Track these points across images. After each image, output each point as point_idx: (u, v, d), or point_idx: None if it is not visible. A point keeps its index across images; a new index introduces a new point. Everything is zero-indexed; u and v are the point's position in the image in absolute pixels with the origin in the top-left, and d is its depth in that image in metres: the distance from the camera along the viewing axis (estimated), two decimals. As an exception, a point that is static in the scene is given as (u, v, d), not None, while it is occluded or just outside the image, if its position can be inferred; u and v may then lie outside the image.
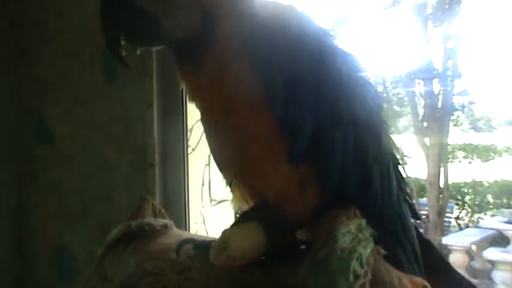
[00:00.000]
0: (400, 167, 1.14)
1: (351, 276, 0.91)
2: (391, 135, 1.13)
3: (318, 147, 1.01)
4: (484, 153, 9.02)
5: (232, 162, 1.10)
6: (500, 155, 9.23)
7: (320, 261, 0.93)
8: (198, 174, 2.47)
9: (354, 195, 1.04)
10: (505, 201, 7.75)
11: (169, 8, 1.01)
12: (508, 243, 6.49)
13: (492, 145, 9.26)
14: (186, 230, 2.29)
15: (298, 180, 1.03)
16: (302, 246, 1.13)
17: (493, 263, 6.51)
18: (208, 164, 2.59)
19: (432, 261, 1.17)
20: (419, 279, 1.04)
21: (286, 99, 0.98)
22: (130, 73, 2.31)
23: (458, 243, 6.69)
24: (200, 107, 1.11)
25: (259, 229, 1.05)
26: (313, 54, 1.01)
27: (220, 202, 2.56)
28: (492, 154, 9.17)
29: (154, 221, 1.20)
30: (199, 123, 2.64)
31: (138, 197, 2.36)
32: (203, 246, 1.11)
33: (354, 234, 0.96)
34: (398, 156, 1.14)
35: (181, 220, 2.33)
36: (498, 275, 6.31)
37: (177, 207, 2.34)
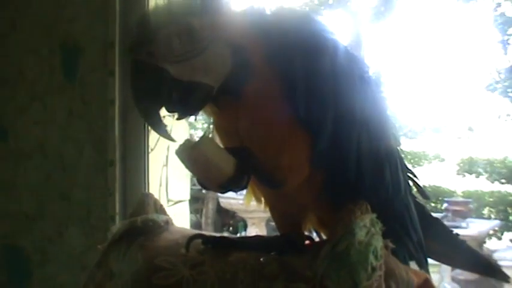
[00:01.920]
0: (404, 162, 1.20)
1: (369, 268, 0.95)
2: (396, 133, 1.18)
3: (337, 148, 1.07)
4: (415, 159, 9.35)
5: None
6: (430, 162, 9.60)
7: (340, 253, 0.97)
8: (156, 175, 2.45)
9: (368, 188, 1.10)
10: (433, 205, 8.02)
11: (205, 66, 1.03)
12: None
13: (422, 152, 9.62)
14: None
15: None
16: (306, 241, 1.16)
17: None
18: (166, 165, 2.58)
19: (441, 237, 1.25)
20: (422, 272, 1.09)
21: (308, 104, 1.04)
22: (92, 70, 2.28)
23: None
24: (229, 131, 1.14)
25: (233, 163, 1.05)
26: (330, 62, 1.07)
27: (177, 203, 2.56)
28: (422, 160, 9.51)
29: (158, 217, 1.20)
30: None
31: (97, 196, 2.35)
32: (213, 241, 1.13)
33: (368, 228, 1.00)
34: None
35: (142, 220, 2.30)
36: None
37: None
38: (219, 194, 6.59)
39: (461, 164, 9.61)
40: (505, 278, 1.31)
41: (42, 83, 2.42)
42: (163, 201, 2.49)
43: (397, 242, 1.08)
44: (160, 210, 1.24)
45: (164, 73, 1.01)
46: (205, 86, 1.03)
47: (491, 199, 8.98)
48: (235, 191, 1.10)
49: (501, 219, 8.57)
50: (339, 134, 1.06)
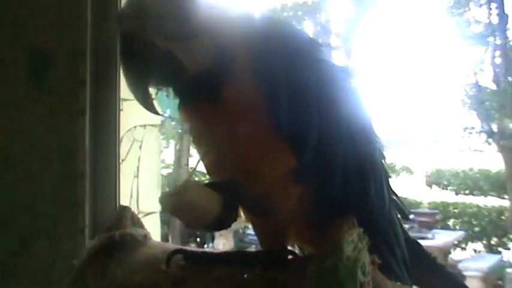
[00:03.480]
0: (388, 177, 1.18)
1: (358, 285, 0.92)
2: (380, 146, 1.16)
3: (322, 164, 1.05)
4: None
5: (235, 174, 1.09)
6: (398, 174, 9.70)
7: (328, 269, 0.95)
8: (126, 186, 2.41)
9: (354, 203, 1.08)
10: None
11: (187, 45, 1.02)
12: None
13: (390, 163, 9.71)
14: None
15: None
16: (289, 256, 1.13)
17: None
18: (137, 176, 2.54)
19: (421, 261, 1.22)
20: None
21: (291, 116, 1.03)
22: (62, 79, 2.22)
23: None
24: (203, 135, 1.12)
25: (218, 199, 1.05)
26: (314, 75, 1.07)
27: (148, 214, 2.52)
28: (390, 172, 9.59)
29: (136, 231, 1.16)
30: (129, 134, 2.59)
31: (64, 209, 2.28)
32: (194, 257, 1.10)
33: (355, 243, 0.98)
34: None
35: (113, 233, 2.25)
36: None
37: (108, 219, 2.26)
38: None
39: (429, 176, 9.74)
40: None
41: (10, 92, 2.35)
42: (133, 214, 2.45)
43: (381, 258, 1.06)
44: (138, 224, 1.20)
45: (155, 47, 1.01)
46: (182, 65, 1.03)
47: (456, 210, 9.11)
48: (225, 228, 1.08)
49: (465, 230, 8.69)
50: (323, 148, 1.05)
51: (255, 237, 1.15)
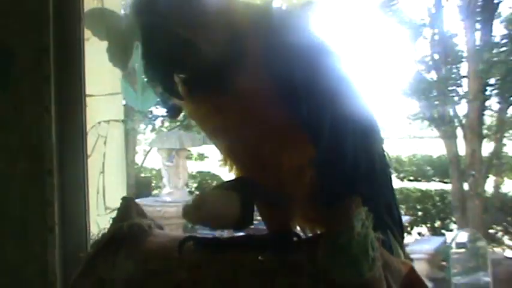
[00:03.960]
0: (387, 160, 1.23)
1: (370, 259, 0.97)
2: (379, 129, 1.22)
3: (332, 147, 1.08)
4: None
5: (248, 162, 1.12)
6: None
7: (342, 247, 0.98)
8: (93, 182, 2.39)
9: (361, 184, 1.12)
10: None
11: (206, 32, 1.02)
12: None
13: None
14: (86, 239, 2.21)
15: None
16: (295, 238, 1.17)
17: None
18: (103, 172, 2.53)
19: None
20: (408, 261, 1.13)
21: (306, 104, 1.05)
22: (25, 76, 2.18)
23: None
24: (212, 127, 1.13)
25: (237, 199, 1.07)
26: (322, 59, 1.10)
27: (114, 210, 2.50)
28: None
29: (141, 221, 1.17)
30: (94, 129, 2.58)
31: (34, 208, 2.25)
32: (205, 243, 1.12)
33: (363, 221, 1.02)
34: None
35: (82, 229, 2.23)
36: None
37: (77, 216, 2.24)
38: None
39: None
40: None
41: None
42: (100, 209, 2.44)
43: (385, 231, 1.14)
44: (142, 214, 1.21)
45: (176, 36, 1.01)
46: (201, 52, 1.03)
47: (401, 196, 9.34)
48: (249, 225, 1.10)
49: (410, 215, 8.93)
50: (335, 133, 1.08)
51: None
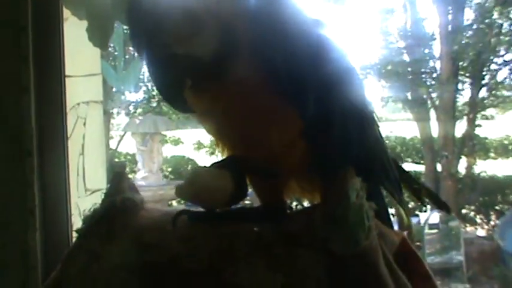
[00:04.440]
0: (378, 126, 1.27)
1: (366, 228, 0.98)
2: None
3: (322, 119, 1.10)
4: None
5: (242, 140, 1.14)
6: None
7: (339, 217, 0.99)
8: (73, 164, 2.36)
9: (355, 153, 1.14)
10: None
11: (201, 39, 1.04)
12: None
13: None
14: (67, 222, 2.19)
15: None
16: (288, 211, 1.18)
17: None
18: (82, 153, 2.50)
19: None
20: (399, 232, 1.15)
21: (290, 78, 1.06)
22: (3, 57, 2.14)
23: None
24: (209, 112, 1.14)
25: (228, 176, 1.09)
26: (311, 45, 1.11)
27: (94, 192, 2.49)
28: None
29: (133, 196, 1.16)
30: (74, 111, 2.55)
31: (13, 189, 2.22)
32: (199, 216, 1.12)
33: (357, 191, 1.03)
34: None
35: (63, 212, 2.21)
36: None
37: (58, 198, 2.22)
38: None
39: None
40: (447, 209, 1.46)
41: None
42: (81, 191, 2.42)
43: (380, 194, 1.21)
44: (134, 189, 1.20)
45: (178, 57, 1.03)
46: (199, 58, 1.05)
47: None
48: (240, 201, 1.14)
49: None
50: (324, 106, 1.09)
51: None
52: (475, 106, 9.00)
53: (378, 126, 1.25)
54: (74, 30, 2.45)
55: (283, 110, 1.08)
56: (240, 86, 1.06)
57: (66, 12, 2.31)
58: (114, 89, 7.96)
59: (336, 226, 0.99)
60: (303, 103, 1.08)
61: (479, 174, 9.27)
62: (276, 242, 1.03)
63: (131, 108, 10.68)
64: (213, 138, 1.24)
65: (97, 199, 2.42)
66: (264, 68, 1.05)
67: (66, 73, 2.20)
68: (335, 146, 1.11)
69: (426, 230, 7.54)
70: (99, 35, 2.47)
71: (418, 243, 7.72)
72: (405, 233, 1.17)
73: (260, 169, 1.11)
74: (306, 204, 1.28)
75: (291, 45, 1.07)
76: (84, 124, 2.49)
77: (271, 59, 1.05)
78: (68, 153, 2.25)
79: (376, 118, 1.25)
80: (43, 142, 2.22)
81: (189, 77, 1.05)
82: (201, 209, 1.12)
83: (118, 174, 1.23)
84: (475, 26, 8.85)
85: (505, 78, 9.11)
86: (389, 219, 1.25)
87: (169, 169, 10.79)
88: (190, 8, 1.03)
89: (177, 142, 11.64)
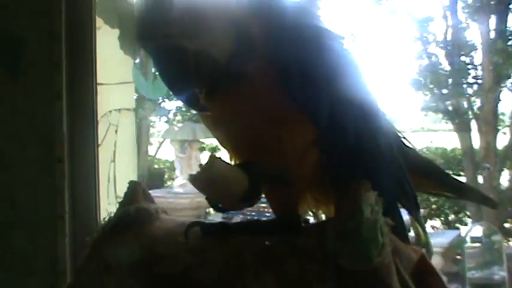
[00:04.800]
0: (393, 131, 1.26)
1: (379, 245, 0.96)
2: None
3: (336, 129, 1.08)
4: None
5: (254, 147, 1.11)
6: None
7: (351, 232, 0.97)
8: (104, 171, 2.39)
9: (369, 165, 1.12)
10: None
11: (214, 41, 1.03)
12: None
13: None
14: (97, 228, 2.21)
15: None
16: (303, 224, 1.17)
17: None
18: (114, 160, 2.52)
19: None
20: (418, 249, 1.12)
21: (304, 86, 1.05)
22: (36, 64, 2.18)
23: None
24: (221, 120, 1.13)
25: (243, 173, 1.07)
26: (329, 55, 1.10)
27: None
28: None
29: (149, 206, 1.17)
30: (105, 118, 2.58)
31: (44, 196, 2.25)
32: (211, 228, 1.12)
33: (372, 206, 1.01)
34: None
35: (93, 218, 2.23)
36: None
37: (87, 204, 2.24)
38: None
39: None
40: (493, 204, 1.49)
41: (-18, 79, 2.30)
42: (111, 198, 2.44)
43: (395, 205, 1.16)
44: (149, 198, 1.20)
45: (186, 52, 1.00)
46: (213, 58, 1.03)
47: (414, 189, 9.27)
48: (251, 205, 1.11)
49: (424, 208, 8.88)
50: (336, 115, 1.08)
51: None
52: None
53: (398, 139, 1.23)
54: (107, 39, 2.49)
55: (296, 117, 1.06)
56: (253, 91, 1.04)
57: (99, 21, 2.34)
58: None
59: (348, 241, 0.97)
60: (317, 111, 1.06)
61: (522, 186, 9.05)
62: (286, 256, 1.01)
63: (171, 115, 10.77)
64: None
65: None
66: (279, 74, 1.04)
67: (98, 81, 2.23)
68: (349, 157, 1.09)
69: (468, 244, 7.38)
70: (130, 44, 2.51)
71: (458, 257, 7.59)
72: (423, 250, 1.13)
73: (274, 177, 1.10)
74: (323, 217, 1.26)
75: (308, 53, 1.06)
76: (116, 131, 2.52)
77: (287, 65, 1.04)
78: (99, 160, 2.28)
79: (394, 131, 1.23)
80: (74, 149, 2.26)
81: (201, 79, 1.05)
82: (213, 221, 1.12)
83: (133, 184, 1.23)
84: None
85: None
86: (407, 235, 1.22)
87: (207, 176, 10.81)
88: (202, 4, 1.02)
89: (214, 149, 11.71)
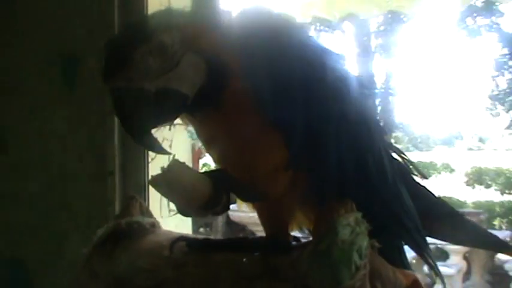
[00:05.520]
0: (391, 150, 1.22)
1: (353, 267, 0.94)
2: (379, 123, 1.21)
3: (312, 147, 1.07)
4: (424, 170, 9.31)
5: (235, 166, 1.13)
6: (439, 172, 9.56)
7: (322, 252, 0.96)
8: (157, 184, 2.44)
9: (351, 184, 1.09)
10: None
11: (180, 77, 1.03)
12: (447, 257, 6.66)
13: (431, 162, 9.57)
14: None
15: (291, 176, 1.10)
16: (293, 242, 1.15)
17: (432, 277, 6.66)
18: (167, 174, 2.55)
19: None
20: (410, 273, 1.08)
21: (278, 109, 1.04)
22: (91, 80, 2.28)
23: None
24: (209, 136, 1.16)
25: (207, 180, 1.06)
26: (300, 65, 1.07)
27: (178, 213, 2.54)
28: (431, 171, 9.47)
29: (143, 220, 1.20)
30: (159, 133, 2.63)
31: (97, 206, 2.34)
32: (197, 243, 1.13)
33: (352, 227, 0.99)
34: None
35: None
36: (439, 289, 6.46)
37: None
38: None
39: (471, 175, 9.56)
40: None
41: (42, 94, 2.43)
42: (164, 211, 2.49)
43: (389, 234, 1.11)
44: (146, 213, 1.24)
45: (145, 93, 1.01)
46: (180, 93, 1.03)
47: (501, 210, 8.92)
48: (217, 214, 1.11)
49: (511, 230, 8.50)
50: (314, 135, 1.06)
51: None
52: None
53: (388, 150, 1.20)
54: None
55: (269, 138, 1.06)
56: (226, 115, 1.06)
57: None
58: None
59: (317, 262, 0.95)
60: (288, 133, 1.06)
61: None
62: (258, 274, 1.01)
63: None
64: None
65: (180, 220, 2.50)
66: (252, 100, 1.05)
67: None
68: (326, 174, 1.08)
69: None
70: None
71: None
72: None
73: (243, 190, 1.10)
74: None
75: (283, 76, 1.04)
76: (170, 146, 2.56)
77: (260, 92, 1.04)
78: (149, 173, 2.35)
79: (385, 141, 1.20)
80: (125, 162, 2.33)
81: (165, 116, 1.07)
82: (198, 236, 1.13)
83: (129, 198, 1.27)
84: None
85: None
86: (404, 259, 1.18)
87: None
88: (163, 42, 1.02)
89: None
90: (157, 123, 1.07)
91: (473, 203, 8.99)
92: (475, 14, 9.23)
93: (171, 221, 2.46)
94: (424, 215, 1.19)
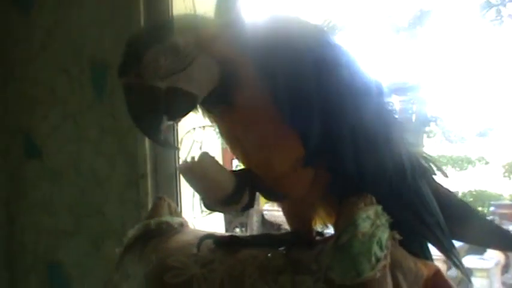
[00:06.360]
0: (410, 146, 1.21)
1: (373, 259, 0.96)
2: (399, 120, 1.21)
3: (330, 145, 1.08)
4: (458, 163, 9.18)
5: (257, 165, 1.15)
6: (474, 165, 9.40)
7: (343, 245, 0.98)
8: (188, 186, 2.48)
9: (370, 180, 1.10)
10: (479, 210, 7.86)
11: (190, 78, 1.06)
12: (485, 250, 6.57)
13: (465, 155, 9.43)
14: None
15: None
16: (317, 237, 1.17)
17: (470, 270, 6.58)
18: (199, 175, 2.59)
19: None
20: (432, 264, 1.09)
21: (294, 108, 1.06)
22: (120, 86, 2.32)
23: (435, 252, 6.74)
24: (230, 135, 1.18)
25: (232, 176, 1.10)
26: (315, 65, 1.07)
27: (211, 213, 2.58)
28: (466, 164, 9.33)
29: (171, 219, 1.24)
30: (189, 135, 2.68)
31: (130, 209, 2.39)
32: (223, 240, 1.16)
33: (372, 220, 1.01)
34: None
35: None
36: (476, 283, 6.38)
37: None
38: (264, 207, 6.68)
39: (507, 167, 9.39)
40: None
41: (74, 101, 2.50)
42: (196, 212, 2.53)
43: (410, 230, 1.11)
44: (175, 213, 1.28)
45: (155, 90, 1.04)
46: (188, 93, 1.06)
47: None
48: (240, 210, 1.13)
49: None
50: (332, 133, 1.07)
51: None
52: None
53: (407, 144, 1.20)
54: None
55: (286, 138, 1.08)
56: (241, 115, 1.08)
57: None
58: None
59: (338, 254, 0.97)
60: (305, 131, 1.07)
61: None
62: (282, 268, 1.04)
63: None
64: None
65: (213, 220, 2.54)
66: (267, 100, 1.06)
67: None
68: (345, 171, 1.09)
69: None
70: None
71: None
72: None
73: (266, 188, 1.13)
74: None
75: (298, 78, 1.06)
76: (201, 148, 2.60)
77: (275, 93, 1.06)
78: (181, 175, 2.38)
79: (403, 137, 1.20)
80: (156, 165, 2.38)
81: (175, 114, 1.09)
82: (225, 233, 1.16)
83: (158, 198, 1.30)
84: None
85: None
86: (426, 251, 1.19)
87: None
88: (176, 43, 1.05)
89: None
90: (167, 120, 1.08)
91: (510, 195, 8.83)
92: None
93: (203, 221, 2.51)
94: (445, 217, 1.19)
